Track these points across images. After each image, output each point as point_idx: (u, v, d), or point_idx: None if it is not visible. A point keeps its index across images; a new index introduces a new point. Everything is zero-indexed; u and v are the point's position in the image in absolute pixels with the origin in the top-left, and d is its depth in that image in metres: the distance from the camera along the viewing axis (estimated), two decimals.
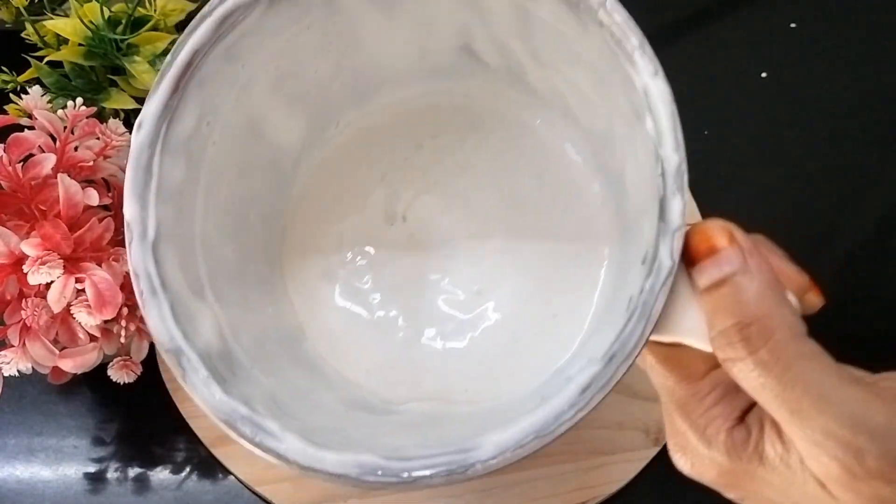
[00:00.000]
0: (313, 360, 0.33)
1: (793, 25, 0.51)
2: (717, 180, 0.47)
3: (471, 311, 0.34)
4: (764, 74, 0.50)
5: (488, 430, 0.23)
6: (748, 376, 0.22)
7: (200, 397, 0.25)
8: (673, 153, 0.23)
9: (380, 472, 0.23)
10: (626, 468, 0.39)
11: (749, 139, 0.48)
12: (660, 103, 0.23)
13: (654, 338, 0.23)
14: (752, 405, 0.23)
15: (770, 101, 0.49)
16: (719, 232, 0.23)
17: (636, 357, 0.22)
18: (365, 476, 0.23)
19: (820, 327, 0.44)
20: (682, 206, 0.23)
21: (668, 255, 0.22)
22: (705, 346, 0.23)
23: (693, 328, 0.23)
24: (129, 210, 0.26)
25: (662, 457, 0.38)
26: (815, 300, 0.25)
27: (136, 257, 0.26)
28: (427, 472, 0.23)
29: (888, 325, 0.44)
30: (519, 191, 0.34)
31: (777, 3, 0.52)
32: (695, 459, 0.24)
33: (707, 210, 0.45)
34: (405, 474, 0.23)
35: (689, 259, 0.23)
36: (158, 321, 0.25)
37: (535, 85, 0.32)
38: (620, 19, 0.24)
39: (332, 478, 0.24)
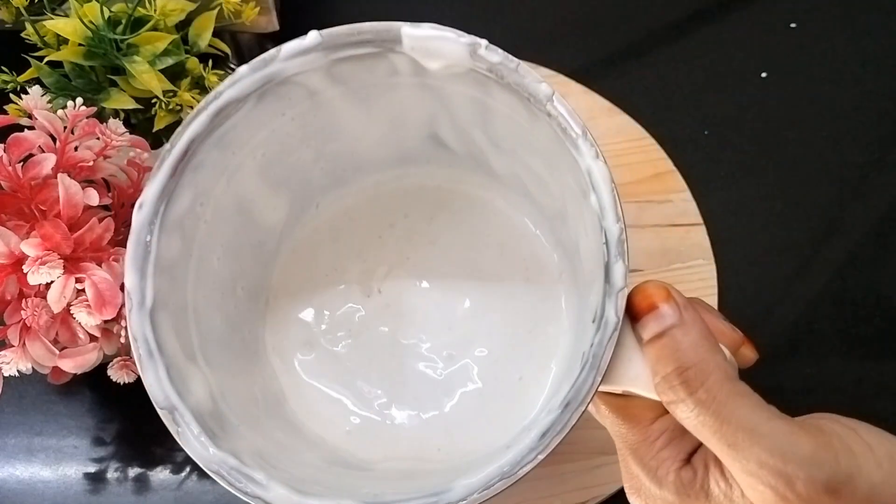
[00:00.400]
0: (294, 423, 0.35)
1: (793, 25, 0.51)
2: (717, 180, 0.47)
3: (442, 376, 0.36)
4: (764, 74, 0.50)
5: (459, 476, 0.26)
6: (689, 415, 0.24)
7: (193, 451, 0.27)
8: (614, 224, 0.26)
9: None
10: None
11: (749, 139, 0.48)
12: (601, 182, 0.27)
13: (604, 388, 0.26)
14: (697, 447, 0.26)
15: (770, 101, 0.49)
16: (658, 291, 0.26)
17: (588, 403, 0.25)
18: None
19: (821, 328, 0.44)
20: (623, 270, 0.26)
21: (614, 312, 0.25)
22: (650, 393, 0.26)
23: (638, 376, 0.26)
24: (129, 280, 0.28)
25: None
26: (750, 354, 0.28)
27: (134, 323, 0.28)
28: None
29: (889, 325, 0.44)
30: (484, 263, 0.38)
31: (777, 3, 0.52)
32: (648, 499, 0.26)
33: (708, 210, 0.45)
34: None
35: (632, 316, 0.26)
36: (154, 381, 0.28)
37: (495, 169, 0.36)
38: (565, 111, 0.28)
39: None
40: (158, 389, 0.28)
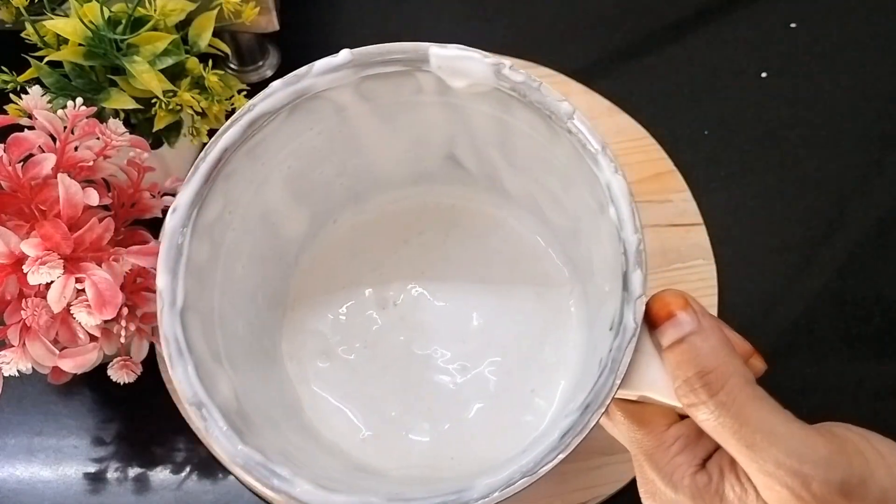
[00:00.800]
0: (311, 430, 0.36)
1: (793, 25, 0.51)
2: (717, 180, 0.47)
3: (456, 387, 0.37)
4: (764, 74, 0.50)
5: (479, 476, 0.27)
6: (709, 417, 0.25)
7: (220, 446, 0.28)
8: (632, 235, 0.28)
9: None
10: (626, 468, 0.39)
11: (749, 139, 0.48)
12: (620, 195, 0.28)
13: (622, 393, 0.27)
14: (711, 453, 0.27)
15: (770, 101, 0.49)
16: (675, 299, 0.27)
17: (607, 406, 0.26)
18: None
19: (821, 328, 0.44)
20: (641, 278, 0.27)
21: (632, 318, 0.26)
22: (667, 398, 0.26)
23: (655, 381, 0.26)
24: (162, 280, 0.30)
25: None
26: (759, 365, 0.28)
27: (166, 322, 0.29)
28: None
29: (889, 325, 0.44)
30: (497, 279, 0.39)
31: (777, 3, 0.52)
32: (663, 503, 0.27)
33: (708, 210, 0.45)
34: None
35: (651, 323, 0.27)
36: (184, 377, 0.29)
37: (509, 189, 0.38)
38: (585, 128, 0.29)
39: None
40: (187, 385, 0.28)
